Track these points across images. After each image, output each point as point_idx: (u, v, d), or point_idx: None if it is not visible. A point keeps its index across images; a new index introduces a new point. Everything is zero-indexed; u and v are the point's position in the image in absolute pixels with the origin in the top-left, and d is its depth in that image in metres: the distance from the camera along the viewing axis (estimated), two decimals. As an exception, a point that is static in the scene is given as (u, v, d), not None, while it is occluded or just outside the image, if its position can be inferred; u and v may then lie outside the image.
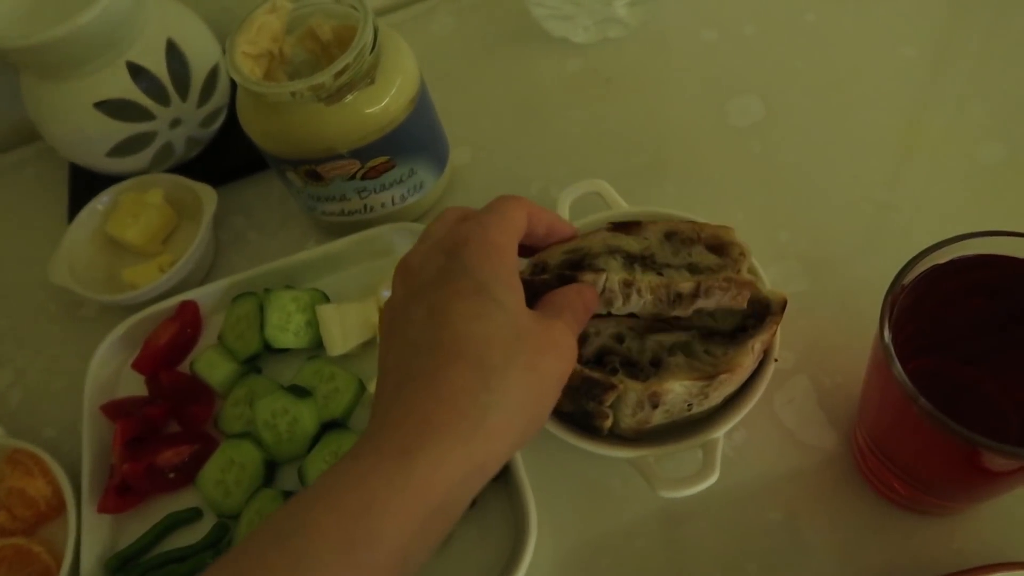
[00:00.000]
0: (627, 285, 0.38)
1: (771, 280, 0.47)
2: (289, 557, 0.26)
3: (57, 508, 0.46)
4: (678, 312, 0.40)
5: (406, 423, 0.29)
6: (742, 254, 0.40)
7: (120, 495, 0.45)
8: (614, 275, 0.38)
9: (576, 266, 0.39)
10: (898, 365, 0.30)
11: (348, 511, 0.27)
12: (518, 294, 0.32)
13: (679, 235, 0.41)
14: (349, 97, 0.45)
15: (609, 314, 0.40)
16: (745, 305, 0.40)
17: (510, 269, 0.33)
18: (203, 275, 0.56)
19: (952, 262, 0.33)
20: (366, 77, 0.45)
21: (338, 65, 0.43)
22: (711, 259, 0.40)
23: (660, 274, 0.39)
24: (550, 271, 0.39)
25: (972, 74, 0.55)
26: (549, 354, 0.31)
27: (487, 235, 0.33)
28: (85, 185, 0.60)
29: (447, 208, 0.36)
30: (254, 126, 0.47)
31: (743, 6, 0.61)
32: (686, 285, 0.39)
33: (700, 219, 0.43)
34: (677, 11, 0.62)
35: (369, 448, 0.28)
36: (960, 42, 0.56)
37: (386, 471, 0.27)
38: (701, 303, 0.39)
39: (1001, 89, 0.53)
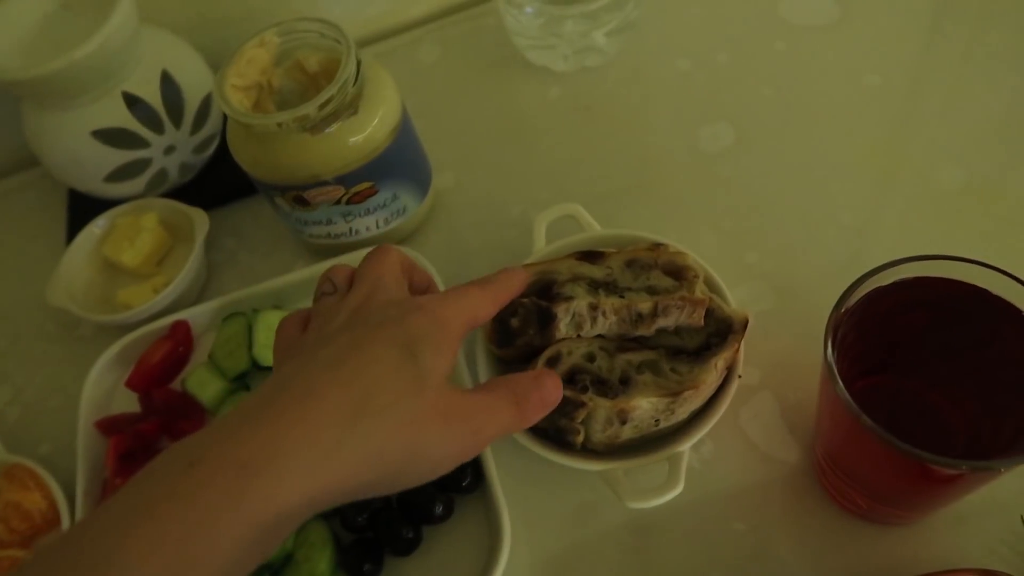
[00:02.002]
0: (593, 308, 0.42)
1: (738, 300, 0.49)
2: None
3: (52, 521, 0.48)
4: (641, 331, 0.43)
5: (258, 434, 0.27)
6: (695, 276, 0.44)
7: (113, 508, 0.46)
8: (581, 300, 0.42)
9: (545, 291, 0.42)
10: (840, 384, 0.32)
11: (170, 537, 0.25)
12: (442, 360, 0.31)
13: (639, 262, 0.45)
14: (333, 127, 0.47)
15: (579, 336, 0.43)
16: (702, 322, 0.43)
17: (447, 338, 0.32)
18: (196, 296, 0.58)
19: (894, 284, 0.35)
20: (349, 108, 0.47)
21: (322, 97, 0.45)
22: (668, 282, 0.44)
23: (622, 297, 0.43)
24: (524, 293, 0.42)
25: (934, 101, 0.57)
26: (438, 423, 0.30)
27: (440, 308, 0.33)
28: (83, 209, 0.62)
29: (387, 247, 0.37)
30: (243, 154, 0.49)
31: (716, 36, 0.63)
32: (645, 305, 0.42)
33: (662, 240, 0.46)
34: (654, 41, 0.64)
35: (212, 454, 0.26)
36: (923, 71, 0.59)
37: (219, 488, 0.25)
38: (661, 321, 0.43)
39: (961, 116, 0.56)
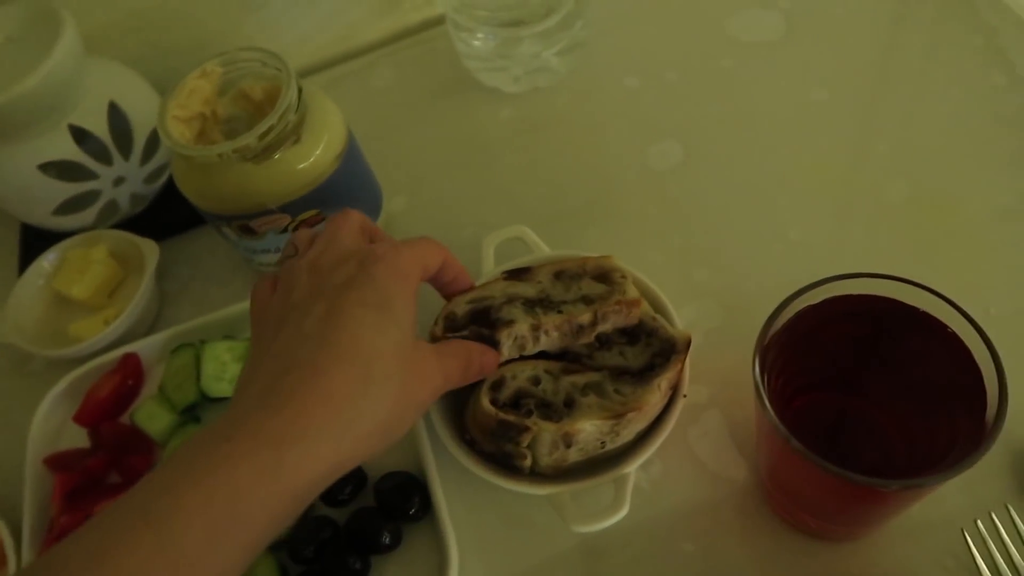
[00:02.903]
0: (535, 328, 0.42)
1: (687, 318, 0.49)
2: (157, 536, 0.27)
3: (-1, 561, 0.47)
4: (583, 340, 0.43)
5: (284, 412, 0.30)
6: (623, 276, 0.44)
7: (59, 547, 0.46)
8: (522, 324, 0.42)
9: (483, 317, 0.42)
10: (769, 408, 0.32)
11: (219, 496, 0.28)
12: (411, 318, 0.35)
13: (566, 272, 0.45)
14: (276, 156, 0.47)
15: (522, 357, 0.43)
16: (638, 320, 0.43)
17: (410, 296, 0.35)
18: (148, 326, 0.57)
19: (825, 302, 0.35)
20: (291, 136, 0.47)
21: (262, 127, 0.45)
22: (599, 287, 0.44)
23: (560, 311, 0.43)
24: (460, 322, 0.42)
25: (880, 116, 0.58)
26: (419, 381, 0.34)
27: (398, 260, 0.35)
28: (35, 242, 0.61)
29: (349, 211, 0.39)
30: (187, 185, 0.49)
31: (665, 53, 0.64)
32: (585, 316, 0.42)
33: (587, 254, 0.46)
34: (603, 60, 0.65)
35: (244, 432, 0.29)
36: (870, 86, 0.59)
37: (259, 460, 0.28)
38: (601, 327, 0.43)
39: (907, 130, 0.56)
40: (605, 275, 0.44)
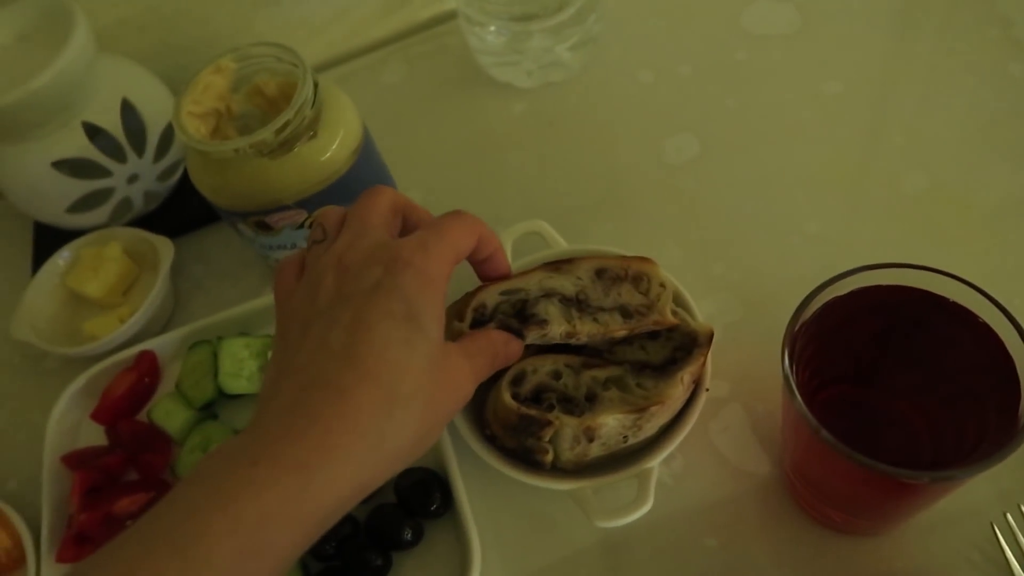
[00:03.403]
0: (569, 336, 0.41)
1: (706, 311, 0.49)
2: (183, 565, 0.26)
3: (18, 560, 0.47)
4: (607, 346, 0.43)
5: (309, 435, 0.29)
6: (662, 285, 0.43)
7: (78, 545, 0.46)
8: (556, 327, 0.40)
9: (520, 312, 0.41)
10: (799, 399, 0.32)
11: (245, 522, 0.27)
12: (441, 326, 0.33)
13: (608, 272, 0.43)
14: (292, 151, 0.47)
15: (548, 347, 0.42)
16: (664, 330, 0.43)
17: (440, 300, 0.34)
18: (163, 324, 0.57)
19: (851, 293, 0.35)
20: (308, 131, 0.47)
21: (279, 122, 0.45)
22: (638, 298, 0.43)
23: (595, 319, 0.42)
24: (489, 314, 0.41)
25: (897, 107, 0.57)
26: (449, 395, 0.33)
27: (426, 264, 0.33)
28: (49, 241, 0.61)
29: (379, 189, 0.37)
30: (203, 182, 0.49)
31: (678, 47, 0.64)
32: (620, 333, 0.42)
33: (627, 253, 0.45)
34: (616, 54, 0.65)
35: (269, 455, 0.29)
36: (886, 77, 0.59)
37: (285, 486, 0.28)
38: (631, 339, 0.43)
39: (924, 122, 0.56)
40: (644, 278, 0.43)
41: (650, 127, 0.59)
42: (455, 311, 0.41)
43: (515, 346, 0.39)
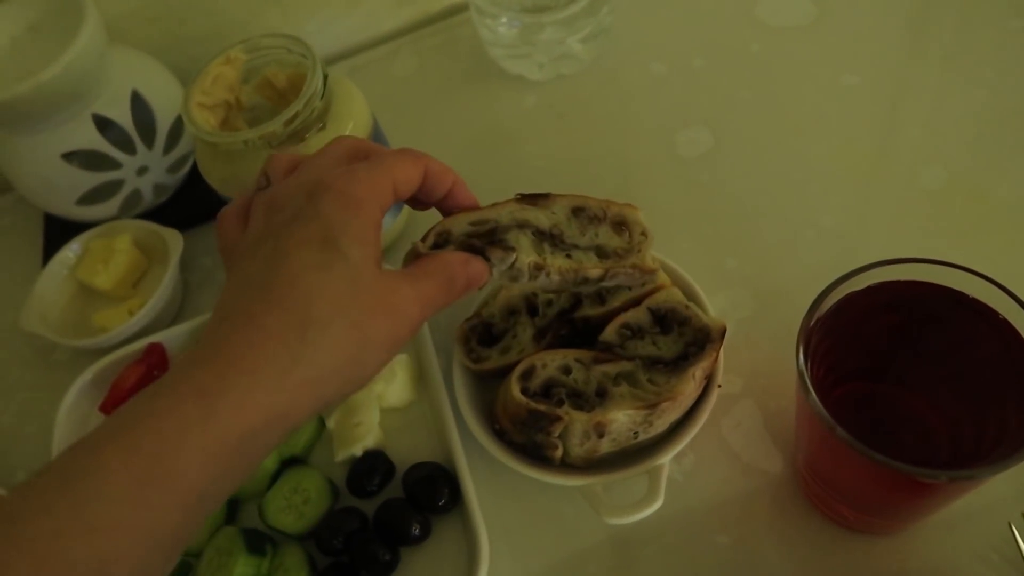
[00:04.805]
0: (537, 268, 0.37)
1: (718, 306, 0.48)
2: (73, 498, 0.25)
3: (26, 552, 0.47)
4: (584, 289, 0.41)
5: (213, 363, 0.28)
6: (643, 234, 0.40)
7: (87, 537, 0.45)
8: (525, 256, 0.37)
9: (486, 237, 0.37)
10: (814, 395, 0.31)
11: (140, 452, 0.26)
12: (368, 249, 0.31)
13: (586, 211, 0.40)
14: (302, 143, 0.46)
15: (558, 342, 0.42)
16: (649, 286, 0.41)
17: (365, 223, 0.31)
18: (172, 316, 0.57)
19: (867, 288, 0.34)
20: (317, 123, 0.47)
21: (288, 113, 0.44)
22: (616, 240, 0.40)
23: (569, 256, 0.39)
24: (454, 240, 0.37)
25: (914, 100, 0.56)
26: (381, 316, 0.31)
27: (349, 187, 0.32)
28: (59, 233, 0.61)
29: (340, 137, 0.36)
30: (212, 173, 0.48)
31: (692, 39, 0.63)
32: (595, 272, 0.39)
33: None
34: (629, 46, 0.64)
35: (168, 387, 0.28)
36: (902, 70, 0.58)
37: (183, 412, 0.27)
38: (607, 283, 0.40)
39: (941, 115, 0.55)
40: (624, 225, 0.40)
41: (663, 120, 0.59)
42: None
43: (476, 266, 0.35)
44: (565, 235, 0.39)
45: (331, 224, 0.30)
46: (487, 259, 0.36)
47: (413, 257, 0.36)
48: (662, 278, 0.43)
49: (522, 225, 0.38)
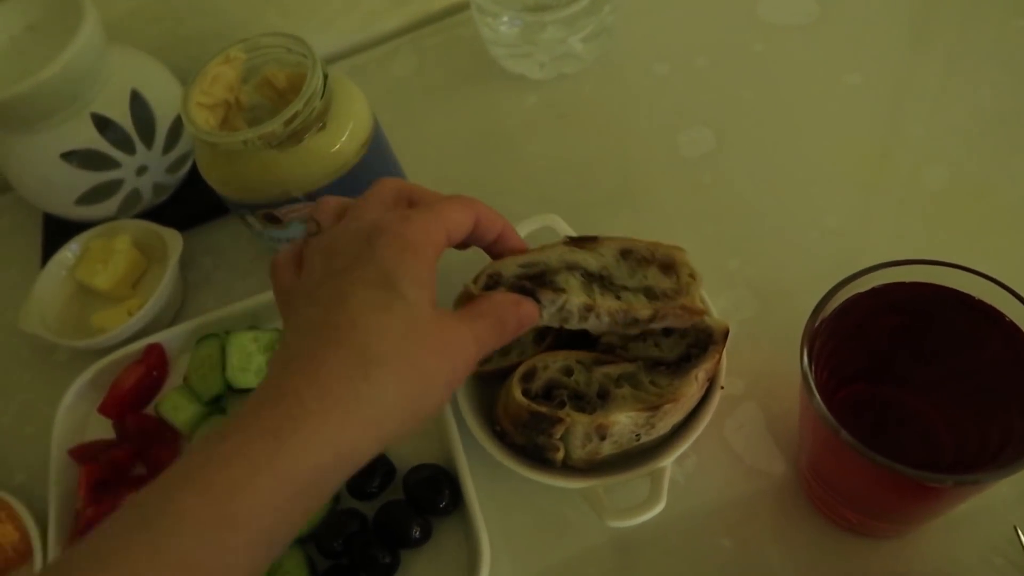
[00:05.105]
0: (587, 309, 0.39)
1: (721, 307, 0.48)
2: (152, 539, 0.26)
3: (25, 554, 0.47)
4: (630, 331, 0.41)
5: (280, 405, 0.29)
6: (691, 275, 0.41)
7: (85, 539, 0.45)
8: (575, 298, 0.38)
9: (537, 280, 0.39)
10: (818, 398, 0.31)
11: (214, 492, 0.27)
12: (425, 291, 0.32)
13: (634, 253, 0.41)
14: (301, 143, 0.46)
15: (559, 343, 0.42)
16: (689, 324, 0.41)
17: (421, 266, 0.32)
18: (172, 317, 0.57)
19: (872, 290, 0.34)
20: (317, 123, 0.46)
21: (287, 113, 0.44)
22: (665, 282, 0.41)
23: (618, 297, 0.40)
24: (505, 283, 0.38)
25: (917, 100, 0.56)
26: (439, 356, 0.31)
27: (406, 231, 0.32)
28: (58, 233, 0.61)
29: (385, 180, 0.36)
30: (211, 173, 0.48)
31: (694, 38, 0.63)
32: (644, 312, 0.39)
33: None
34: (630, 45, 0.64)
35: (238, 429, 0.28)
36: (906, 69, 0.58)
37: (253, 453, 0.28)
38: (655, 325, 0.40)
39: (945, 114, 0.54)
40: (672, 267, 0.41)
41: (665, 120, 0.58)
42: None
43: (527, 308, 0.36)
44: (614, 277, 0.40)
45: (389, 266, 0.31)
46: (538, 301, 0.38)
47: (465, 299, 0.38)
48: (698, 298, 0.41)
49: (571, 267, 0.40)
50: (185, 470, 0.28)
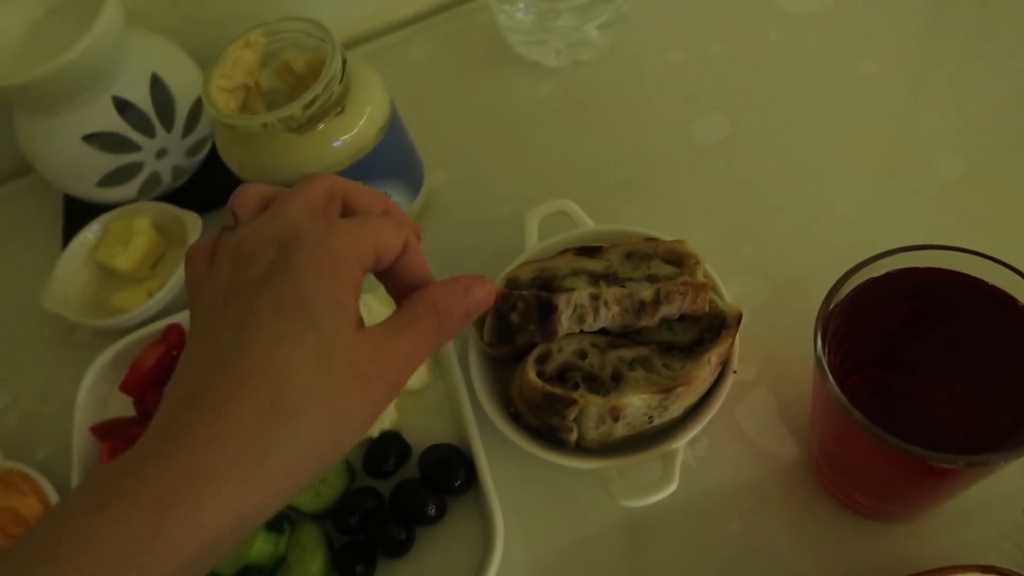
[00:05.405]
0: (595, 299, 0.41)
1: (734, 294, 0.48)
2: None
3: (48, 527, 0.47)
4: (645, 322, 0.42)
5: (172, 463, 0.25)
6: (696, 262, 0.43)
7: (107, 513, 0.46)
8: (582, 291, 0.41)
9: (546, 286, 0.42)
10: (831, 381, 0.32)
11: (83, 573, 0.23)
12: (344, 313, 0.28)
13: (637, 253, 0.44)
14: (320, 126, 0.47)
15: (581, 331, 0.42)
16: (707, 308, 0.42)
17: (343, 284, 0.28)
18: (190, 299, 0.58)
19: (886, 275, 0.34)
20: (336, 107, 0.47)
21: (307, 96, 0.45)
22: (668, 269, 0.43)
23: (623, 287, 0.42)
24: (522, 286, 0.43)
25: (932, 89, 0.56)
26: (357, 391, 0.27)
27: (328, 242, 0.28)
28: (79, 215, 0.62)
29: (319, 176, 0.31)
30: (231, 156, 0.49)
31: (709, 27, 0.63)
32: (647, 293, 0.41)
33: (657, 235, 0.45)
34: (646, 33, 0.64)
35: (119, 494, 0.24)
36: (921, 58, 0.58)
37: (132, 529, 0.24)
38: (664, 309, 0.42)
39: (960, 103, 0.55)
40: (678, 259, 0.44)
41: (679, 107, 0.59)
42: None
43: (477, 294, 0.31)
44: (619, 273, 0.43)
45: (305, 286, 0.27)
46: (555, 305, 0.40)
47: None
48: (700, 277, 0.43)
49: (578, 272, 0.43)
50: (48, 545, 0.24)
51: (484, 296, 0.32)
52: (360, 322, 0.29)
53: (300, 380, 0.26)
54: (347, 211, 0.32)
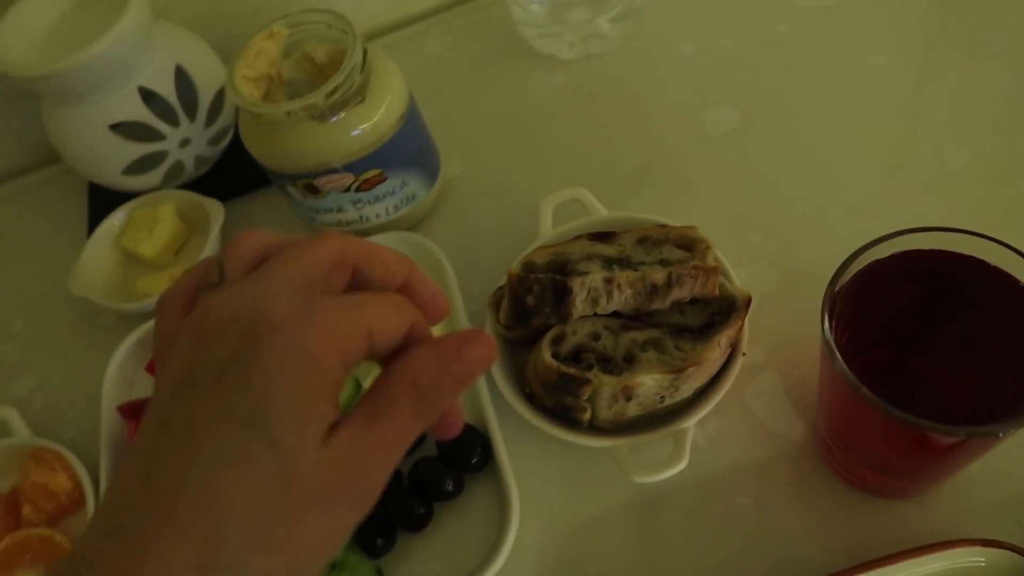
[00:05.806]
0: (608, 281, 0.43)
1: (743, 280, 0.49)
2: None
3: (78, 502, 0.49)
4: (657, 305, 0.43)
5: None
6: (707, 247, 0.44)
7: (135, 489, 0.48)
8: (596, 275, 0.42)
9: (560, 270, 0.44)
10: (839, 359, 0.33)
11: None
12: (310, 427, 0.23)
13: (650, 238, 0.46)
14: (341, 115, 0.48)
15: (595, 314, 0.44)
16: (717, 291, 0.43)
17: (315, 390, 0.23)
18: (212, 284, 0.59)
19: (890, 257, 0.35)
20: (356, 96, 0.48)
21: (329, 85, 0.46)
22: (680, 254, 0.45)
23: (635, 270, 0.43)
24: (538, 269, 0.45)
25: (939, 81, 0.57)
26: (318, 517, 0.23)
27: (303, 333, 0.23)
28: (103, 202, 0.63)
29: (331, 235, 0.26)
30: (254, 144, 0.50)
31: (720, 20, 0.64)
32: (659, 276, 0.43)
33: (669, 222, 0.46)
34: (657, 26, 0.65)
35: None
36: (929, 50, 0.59)
37: None
38: (676, 293, 0.43)
39: (967, 96, 0.55)
40: (690, 244, 0.45)
41: (691, 99, 0.60)
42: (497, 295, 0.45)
43: (474, 353, 0.25)
44: (631, 258, 0.45)
45: (264, 393, 0.22)
46: (569, 289, 0.42)
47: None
48: (711, 260, 0.45)
49: (592, 256, 0.45)
50: None
51: (481, 358, 0.26)
52: (332, 426, 0.23)
53: (247, 515, 0.22)
54: (359, 282, 0.27)
